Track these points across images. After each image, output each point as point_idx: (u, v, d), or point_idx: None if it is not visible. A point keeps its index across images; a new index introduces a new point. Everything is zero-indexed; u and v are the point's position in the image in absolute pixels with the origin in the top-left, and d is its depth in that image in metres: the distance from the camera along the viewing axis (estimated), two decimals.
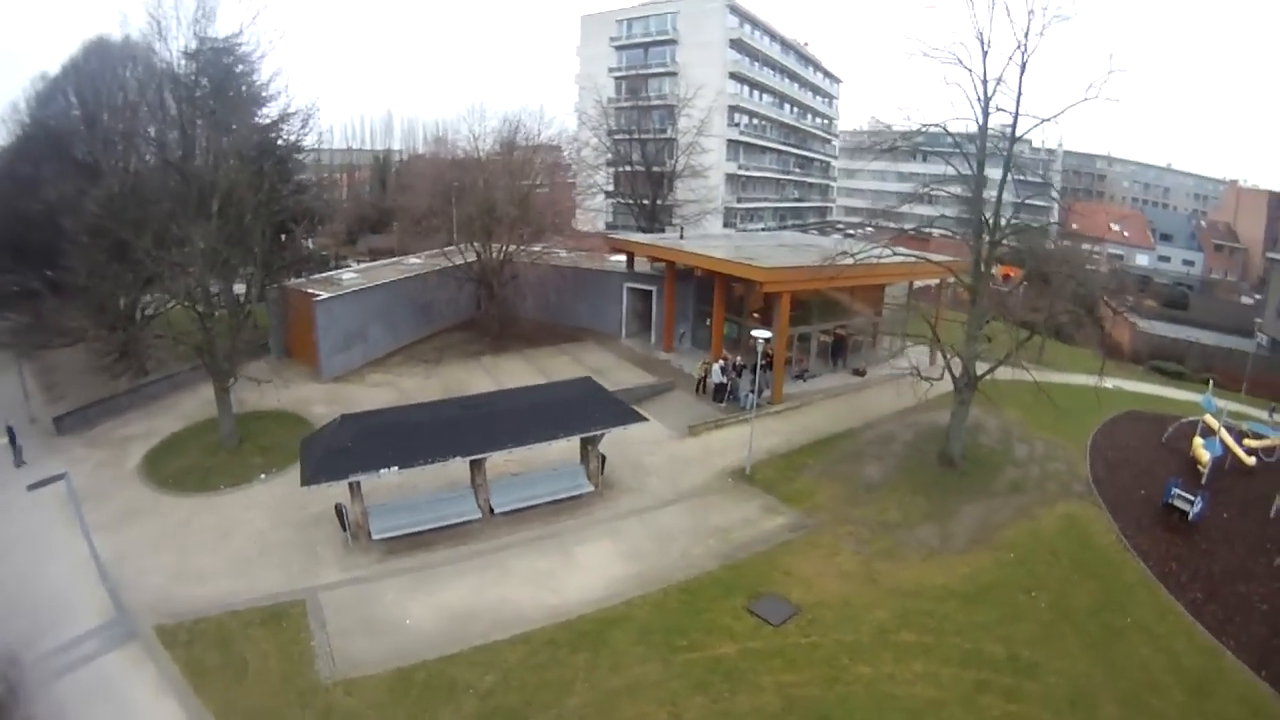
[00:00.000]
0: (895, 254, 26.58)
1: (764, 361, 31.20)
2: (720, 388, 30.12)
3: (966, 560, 20.15)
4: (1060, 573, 19.74)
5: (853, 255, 25.69)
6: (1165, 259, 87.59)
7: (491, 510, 20.54)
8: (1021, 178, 27.02)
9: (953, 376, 25.77)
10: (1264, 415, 32.93)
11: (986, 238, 25.04)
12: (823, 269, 25.62)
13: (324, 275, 37.04)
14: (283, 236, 33.55)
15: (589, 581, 18.28)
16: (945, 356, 25.66)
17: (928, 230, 34.56)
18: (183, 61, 25.22)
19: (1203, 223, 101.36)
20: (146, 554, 19.01)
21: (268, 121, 32.00)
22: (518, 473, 22.26)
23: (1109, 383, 29.77)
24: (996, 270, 38.44)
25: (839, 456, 26.33)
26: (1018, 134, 24.14)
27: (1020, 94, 23.06)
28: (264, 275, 25.80)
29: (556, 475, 22.12)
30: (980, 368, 25.19)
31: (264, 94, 29.80)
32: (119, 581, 17.48)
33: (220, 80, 27.74)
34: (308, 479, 17.65)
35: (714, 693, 14.84)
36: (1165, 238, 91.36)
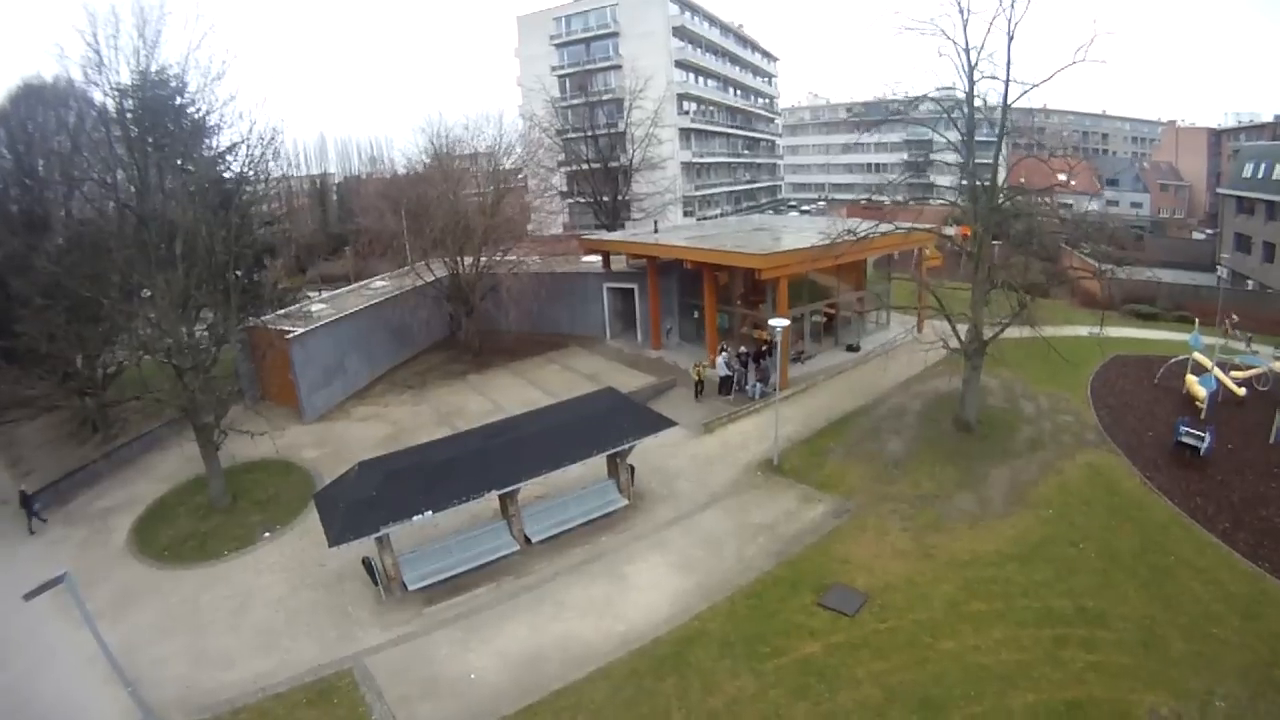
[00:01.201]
0: (896, 227, 26.16)
1: (765, 348, 30.86)
2: (726, 380, 29.34)
3: (1010, 523, 20.13)
4: (1098, 521, 19.95)
5: (855, 232, 25.20)
6: (1114, 203, 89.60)
7: (528, 540, 19.42)
8: (1018, 142, 26.82)
9: (961, 343, 25.54)
10: (1242, 345, 33.79)
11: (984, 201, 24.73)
12: (828, 248, 25.07)
13: (291, 309, 35.18)
14: (249, 273, 31.61)
15: (651, 601, 17.33)
16: (953, 324, 25.39)
17: (906, 200, 34.33)
18: (122, 97, 23.32)
19: (1145, 164, 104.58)
20: (158, 640, 17.10)
21: (220, 151, 30.02)
22: (542, 495, 21.14)
23: (1088, 330, 30.07)
24: (955, 230, 38.77)
25: (858, 435, 25.90)
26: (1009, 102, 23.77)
27: (1010, 62, 22.74)
28: (235, 316, 24.03)
29: (588, 494, 21.08)
30: (987, 331, 24.97)
31: (215, 122, 27.88)
32: (135, 676, 15.48)
33: (162, 114, 25.73)
34: (336, 538, 16.11)
35: (814, 695, 14.19)
36: (1111, 182, 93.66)
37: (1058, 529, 19.65)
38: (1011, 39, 22.48)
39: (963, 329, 25.28)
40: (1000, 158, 25.22)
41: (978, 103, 24.39)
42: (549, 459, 19.06)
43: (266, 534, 21.88)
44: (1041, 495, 21.44)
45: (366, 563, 18.14)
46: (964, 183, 27.27)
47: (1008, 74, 22.82)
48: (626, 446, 20.71)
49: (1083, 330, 29.16)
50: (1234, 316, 35.35)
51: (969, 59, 23.52)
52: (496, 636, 16.39)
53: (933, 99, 25.06)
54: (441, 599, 17.85)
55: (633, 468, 21.81)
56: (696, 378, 29.96)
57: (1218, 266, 57.44)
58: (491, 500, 18.82)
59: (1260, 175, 54.00)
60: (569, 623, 16.72)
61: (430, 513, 17.04)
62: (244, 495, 24.08)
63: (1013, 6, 22.11)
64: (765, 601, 17.08)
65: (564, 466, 19.22)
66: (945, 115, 25.26)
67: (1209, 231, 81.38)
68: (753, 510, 21.28)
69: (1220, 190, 63.57)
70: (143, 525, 22.92)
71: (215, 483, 23.51)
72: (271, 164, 33.63)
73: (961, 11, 23.02)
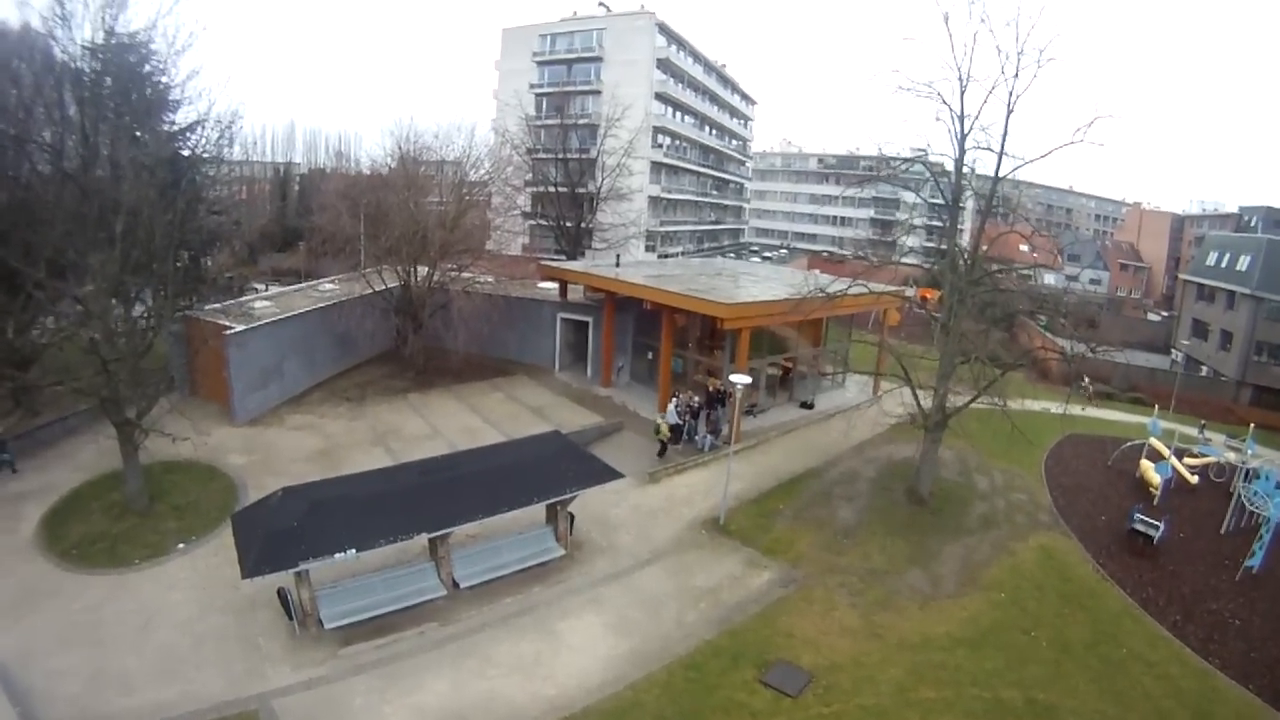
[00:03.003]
0: (867, 288, 25.92)
1: (718, 396, 30.22)
2: (675, 429, 28.44)
3: (961, 604, 19.80)
4: (1051, 608, 19.84)
5: (825, 290, 24.85)
6: (1073, 278, 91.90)
7: (456, 585, 18.14)
8: (1010, 215, 26.93)
9: (922, 413, 25.34)
10: (1194, 433, 34.69)
11: (961, 272, 24.63)
12: (797, 304, 24.70)
13: (234, 303, 33.38)
14: (190, 260, 29.78)
15: (583, 664, 16.26)
16: (915, 393, 25.18)
17: (869, 257, 34.32)
18: (86, 56, 21.62)
19: (1108, 243, 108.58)
20: (56, 652, 15.43)
21: (178, 129, 28.26)
22: (475, 534, 19.88)
23: (1043, 406, 30.40)
24: (915, 291, 39.09)
25: (808, 499, 25.35)
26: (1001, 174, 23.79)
27: (1006, 134, 22.76)
28: (173, 304, 22.38)
29: (524, 540, 19.88)
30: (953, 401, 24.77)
31: (176, 97, 26.22)
32: (28, 690, 14.09)
33: (126, 80, 24.00)
34: (250, 570, 14.72)
35: None
36: (1073, 258, 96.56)
37: (1009, 614, 19.40)
38: (1011, 112, 22.50)
39: (924, 396, 25.05)
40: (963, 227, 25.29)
41: (965, 170, 24.41)
42: (486, 503, 17.94)
43: (180, 545, 20.27)
44: (994, 577, 21.23)
45: (282, 594, 16.69)
46: (943, 248, 27.27)
47: (1002, 146, 22.83)
48: (569, 496, 19.69)
49: (1037, 405, 29.36)
50: (1086, 380, 36.39)
51: (962, 126, 23.50)
52: (416, 690, 15.12)
53: (923, 163, 25.02)
54: (360, 639, 16.48)
55: (572, 516, 20.74)
56: (661, 438, 28.04)
57: (1172, 349, 59.47)
58: (421, 538, 17.55)
59: (1224, 265, 56.07)
60: (495, 681, 15.54)
61: (354, 551, 15.74)
62: (162, 498, 22.38)
63: (1015, 78, 22.14)
64: (705, 674, 16.17)
65: (501, 513, 18.12)
66: (931, 179, 25.22)
67: (1164, 314, 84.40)
68: (696, 572, 20.41)
69: (1183, 276, 65.94)
70: (54, 517, 21.13)
71: (133, 483, 21.74)
72: (228, 149, 32.07)
73: (961, 79, 23.04)
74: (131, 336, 20.79)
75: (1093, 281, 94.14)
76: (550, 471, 19.57)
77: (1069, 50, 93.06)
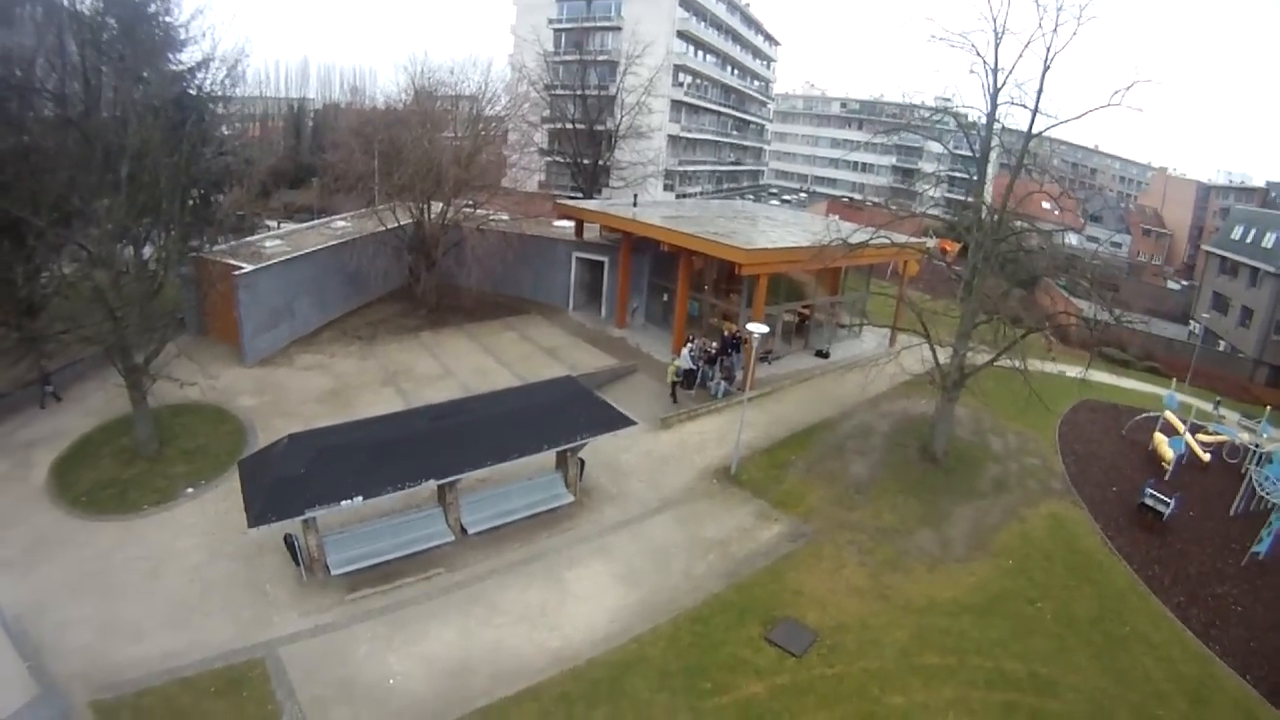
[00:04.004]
0: (888, 239, 25.15)
1: (733, 340, 29.76)
2: (689, 374, 28.11)
3: (970, 569, 19.61)
4: (1057, 579, 19.58)
5: (846, 239, 24.13)
6: (1094, 240, 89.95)
7: (464, 530, 18.06)
8: (1039, 172, 25.82)
9: (939, 371, 24.84)
10: (1208, 408, 33.95)
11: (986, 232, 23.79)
12: (818, 252, 24.04)
13: (244, 242, 32.98)
14: (200, 200, 29.24)
15: (589, 614, 16.27)
16: (934, 350, 24.63)
17: (889, 204, 33.39)
18: None
19: (1131, 206, 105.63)
20: (68, 602, 15.50)
21: (184, 69, 27.44)
22: (484, 479, 19.71)
23: (1059, 369, 29.82)
24: (935, 243, 38.12)
25: (821, 451, 25.07)
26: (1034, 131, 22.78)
27: (1041, 91, 21.70)
28: (180, 247, 22.00)
29: (533, 485, 19.73)
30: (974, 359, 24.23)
31: (181, 37, 25.34)
32: (39, 642, 14.14)
33: (130, 20, 23.20)
34: (256, 518, 14.59)
35: None
36: (1095, 219, 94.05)
37: (1017, 583, 19.19)
38: (1047, 69, 21.45)
39: (942, 354, 24.52)
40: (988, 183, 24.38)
41: (994, 125, 23.44)
42: (496, 449, 17.74)
43: (189, 489, 20.28)
44: (1003, 543, 20.96)
45: (289, 540, 16.63)
46: (966, 200, 26.38)
47: (1036, 103, 21.83)
48: (580, 443, 19.48)
49: (1052, 369, 28.77)
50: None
51: (995, 80, 22.54)
52: (422, 638, 15.18)
53: (952, 114, 24.02)
54: (366, 586, 16.52)
55: (582, 462, 20.57)
56: (672, 380, 27.92)
57: (1191, 321, 58.19)
58: (430, 485, 17.42)
59: (1249, 239, 54.51)
60: (502, 630, 15.58)
61: (361, 499, 15.63)
62: (172, 442, 22.31)
63: (1054, 33, 21.02)
64: (711, 629, 16.15)
65: (511, 459, 17.89)
66: (960, 131, 24.25)
67: (1184, 282, 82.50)
68: (706, 522, 20.31)
69: (1206, 247, 64.33)
70: (64, 464, 21.10)
71: (142, 428, 21.67)
72: (235, 88, 31.18)
73: (996, 31, 21.94)
74: (140, 281, 20.49)
75: (1114, 244, 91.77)
76: (562, 418, 19.34)
77: (1107, 7, 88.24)
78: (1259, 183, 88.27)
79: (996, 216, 23.96)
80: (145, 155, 19.69)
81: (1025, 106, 22.16)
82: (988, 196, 31.39)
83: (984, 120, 23.62)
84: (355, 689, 13.79)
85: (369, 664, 14.40)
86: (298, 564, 16.66)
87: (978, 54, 22.32)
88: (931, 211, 30.62)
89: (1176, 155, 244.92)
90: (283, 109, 76.06)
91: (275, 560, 17.11)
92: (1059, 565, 20.18)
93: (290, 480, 15.29)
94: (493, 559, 17.94)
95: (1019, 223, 24.67)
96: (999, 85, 22.57)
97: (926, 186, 33.58)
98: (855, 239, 24.39)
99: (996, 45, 22.26)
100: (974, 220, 24.51)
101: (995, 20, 21.96)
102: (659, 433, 25.28)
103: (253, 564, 17.10)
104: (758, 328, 22.19)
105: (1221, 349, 52.99)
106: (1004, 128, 23.21)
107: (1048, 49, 21.36)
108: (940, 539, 20.82)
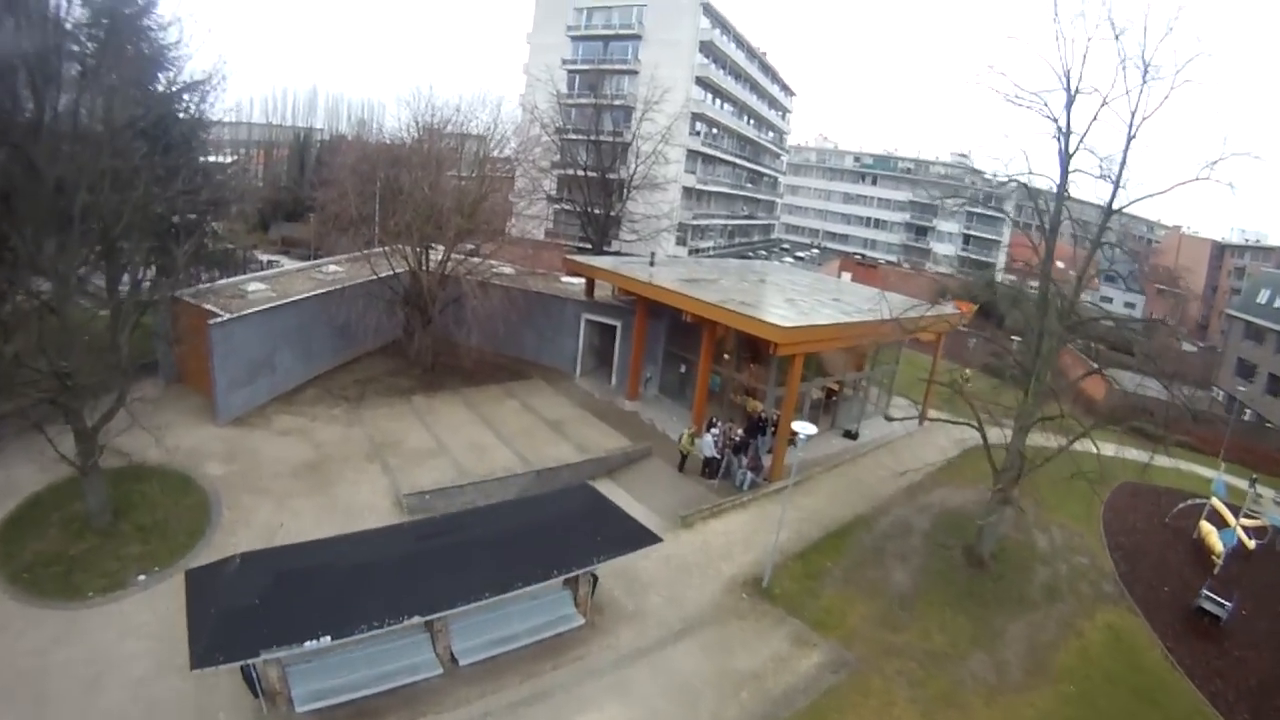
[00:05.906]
0: (940, 315, 22.85)
1: (759, 423, 27.10)
2: (711, 461, 25.41)
3: (1029, 700, 17.49)
4: (1121, 704, 17.95)
5: (896, 316, 21.77)
6: (1108, 299, 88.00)
7: (455, 660, 15.21)
8: (1114, 268, 23.67)
9: (993, 468, 22.35)
10: (1243, 485, 32.03)
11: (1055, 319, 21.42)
12: (871, 327, 21.89)
13: (226, 283, 30.36)
14: (175, 235, 26.62)
15: None
16: (986, 443, 22.13)
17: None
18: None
19: (1145, 265, 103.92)
20: None
21: (169, 91, 25.13)
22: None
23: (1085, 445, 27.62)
24: (952, 303, 35.85)
25: (859, 556, 22.45)
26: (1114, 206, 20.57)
27: (1124, 162, 19.55)
28: (137, 306, 19.45)
29: (536, 606, 16.71)
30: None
31: (171, 54, 23.01)
32: None
33: (119, 33, 20.85)
34: (199, 658, 11.77)
35: None
36: (1109, 278, 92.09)
37: (1080, 713, 17.30)
38: (1132, 137, 19.24)
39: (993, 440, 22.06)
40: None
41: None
42: (496, 577, 14.92)
43: (141, 576, 17.67)
44: (1062, 664, 18.96)
45: (244, 667, 13.79)
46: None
47: (1119, 175, 19.64)
48: (596, 566, 16.67)
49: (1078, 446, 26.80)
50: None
51: (1066, 144, 20.32)
52: None
53: (1020, 182, 21.81)
54: None
55: (595, 578, 17.68)
56: (685, 451, 25.79)
57: (1214, 387, 55.96)
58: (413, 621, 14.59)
59: (1276, 304, 52.81)
60: None
61: (330, 638, 12.78)
62: (128, 513, 19.74)
63: (1140, 94, 18.83)
64: None
65: (515, 589, 15.05)
66: (1031, 205, 22.06)
67: (1199, 344, 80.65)
68: (736, 650, 17.49)
69: (1229, 311, 62.78)
70: (10, 529, 18.84)
71: (93, 499, 19.03)
72: (210, 110, 28.76)
73: (1067, 89, 19.82)
74: (94, 335, 17.84)
75: (1127, 304, 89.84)
76: (575, 535, 16.53)
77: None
78: (1275, 241, 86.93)
79: (1067, 302, 21.59)
80: (99, 189, 17.12)
81: (1106, 178, 20.05)
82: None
83: (1053, 188, 21.51)
84: None
85: None
86: (256, 695, 13.79)
87: (1049, 116, 20.27)
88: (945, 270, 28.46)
89: (1185, 212, 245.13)
90: (288, 138, 74.35)
91: (232, 683, 14.24)
92: (1123, 689, 18.44)
93: (241, 612, 12.48)
94: (489, 697, 15.01)
95: (1087, 302, 22.44)
96: (1071, 150, 20.44)
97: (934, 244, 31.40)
98: (909, 314, 22.06)
99: (1068, 105, 20.25)
100: (1039, 304, 22.07)
101: (1068, 77, 19.86)
102: (679, 533, 22.32)
103: (205, 685, 14.25)
104: (805, 428, 19.43)
105: (1247, 417, 50.62)
106: (1111, 211, 20.84)
107: (1132, 113, 19.23)
108: (995, 663, 18.57)
